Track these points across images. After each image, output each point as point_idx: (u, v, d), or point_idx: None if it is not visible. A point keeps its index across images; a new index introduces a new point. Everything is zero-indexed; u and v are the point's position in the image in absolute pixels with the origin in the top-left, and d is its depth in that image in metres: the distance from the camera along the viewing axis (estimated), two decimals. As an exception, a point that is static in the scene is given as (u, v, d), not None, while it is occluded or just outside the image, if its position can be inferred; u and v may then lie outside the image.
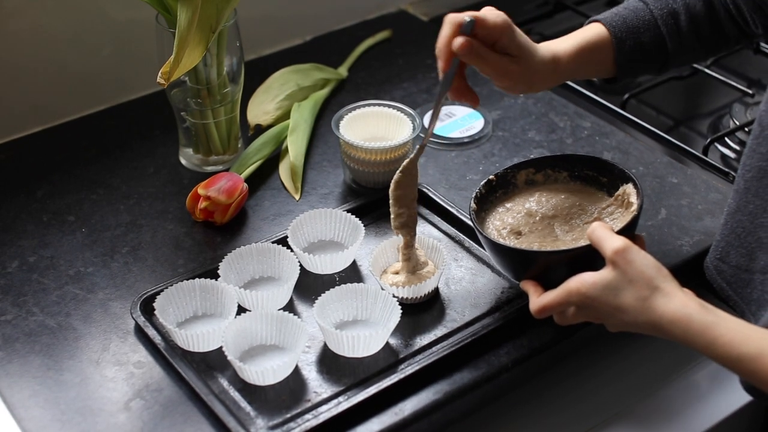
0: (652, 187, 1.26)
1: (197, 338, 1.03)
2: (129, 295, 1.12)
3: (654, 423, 1.10)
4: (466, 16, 1.01)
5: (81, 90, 1.42)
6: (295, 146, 1.31)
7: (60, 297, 1.12)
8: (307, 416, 0.98)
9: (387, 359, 1.04)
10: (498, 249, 1.05)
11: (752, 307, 1.01)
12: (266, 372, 1.00)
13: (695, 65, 1.49)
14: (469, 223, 1.09)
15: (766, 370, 0.87)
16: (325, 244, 1.18)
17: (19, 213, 1.24)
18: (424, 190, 1.24)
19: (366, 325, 1.07)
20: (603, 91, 1.46)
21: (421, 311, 1.10)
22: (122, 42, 1.42)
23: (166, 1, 1.17)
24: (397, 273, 1.11)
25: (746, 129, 1.37)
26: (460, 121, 1.38)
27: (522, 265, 1.04)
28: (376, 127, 1.29)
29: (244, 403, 0.99)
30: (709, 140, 1.34)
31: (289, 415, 0.98)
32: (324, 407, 0.99)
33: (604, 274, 0.94)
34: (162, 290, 1.07)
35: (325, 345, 1.06)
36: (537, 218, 1.10)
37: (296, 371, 1.03)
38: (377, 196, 1.22)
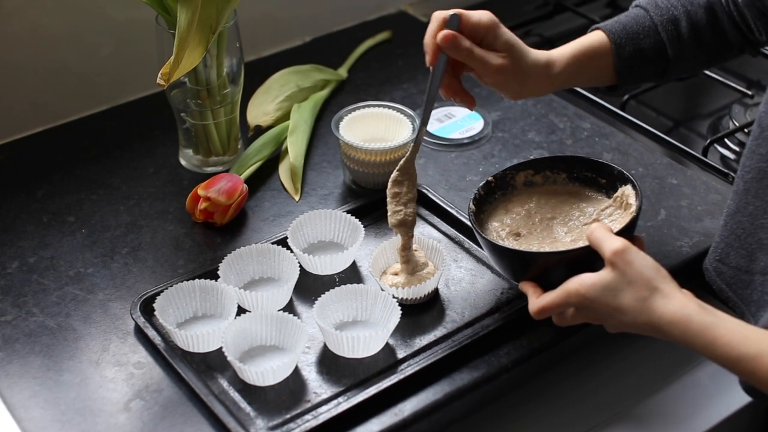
0: (652, 188, 1.26)
1: (197, 339, 1.03)
2: (129, 296, 1.12)
3: (654, 423, 1.10)
4: (452, 11, 1.03)
5: (81, 90, 1.42)
6: (295, 147, 1.31)
7: (60, 298, 1.12)
8: (307, 417, 0.98)
9: (387, 360, 1.04)
10: (497, 250, 1.05)
11: (752, 308, 1.01)
12: (266, 372, 1.00)
13: (695, 66, 1.49)
14: (469, 224, 1.09)
15: (766, 371, 0.87)
16: (324, 245, 1.18)
17: (19, 213, 1.24)
18: (424, 190, 1.24)
19: (366, 326, 1.07)
20: (602, 93, 1.46)
21: (421, 312, 1.10)
22: (122, 42, 1.42)
23: (166, 2, 1.17)
24: (396, 274, 1.11)
25: (746, 130, 1.37)
26: (459, 122, 1.38)
27: (521, 266, 1.04)
28: (375, 128, 1.29)
29: (244, 404, 1.00)
30: (708, 141, 1.35)
31: (289, 416, 0.98)
32: (324, 408, 0.99)
33: (603, 275, 0.94)
34: (162, 291, 1.07)
35: (325, 346, 1.06)
36: (536, 219, 1.10)
37: (296, 372, 1.03)
38: (377, 197, 1.22)
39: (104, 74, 1.43)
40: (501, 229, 1.10)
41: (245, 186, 1.23)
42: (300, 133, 1.33)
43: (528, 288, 1.02)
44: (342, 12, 1.61)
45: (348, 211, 1.19)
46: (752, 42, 1.15)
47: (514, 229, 1.10)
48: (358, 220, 1.16)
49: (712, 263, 1.06)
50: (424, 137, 1.35)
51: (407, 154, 1.09)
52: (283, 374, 1.02)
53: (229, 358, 1.00)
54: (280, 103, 1.38)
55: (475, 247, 1.18)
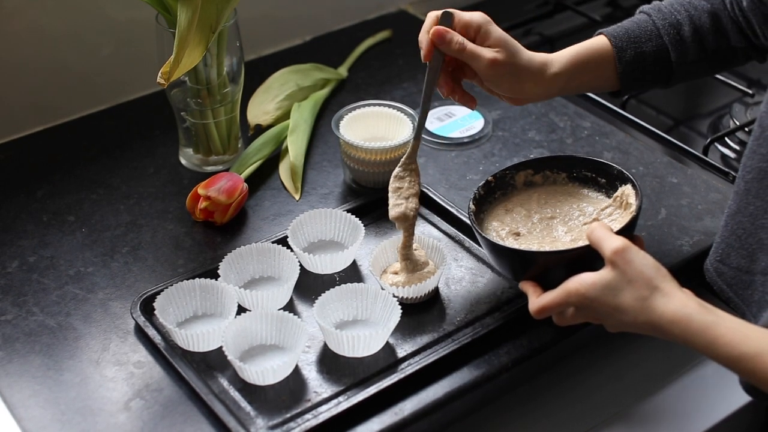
0: (652, 187, 1.26)
1: (197, 338, 1.03)
2: (129, 295, 1.12)
3: (653, 423, 1.10)
4: (444, 10, 1.05)
5: (81, 90, 1.42)
6: (295, 146, 1.31)
7: (60, 297, 1.12)
8: (307, 416, 0.98)
9: (387, 359, 1.04)
10: (497, 250, 1.05)
11: (753, 308, 1.00)
12: (266, 372, 1.00)
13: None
14: (469, 223, 1.09)
15: (766, 369, 0.87)
16: (325, 244, 1.18)
17: (19, 213, 1.24)
18: (424, 189, 1.24)
19: (366, 325, 1.07)
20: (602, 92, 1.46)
21: (421, 311, 1.10)
22: (122, 42, 1.42)
23: (166, 1, 1.17)
24: (396, 273, 1.11)
25: (746, 129, 1.37)
26: (460, 121, 1.38)
27: (521, 265, 1.04)
28: (376, 127, 1.29)
29: (244, 403, 1.00)
30: (709, 140, 1.34)
31: (289, 415, 0.98)
32: (324, 407, 0.99)
33: (603, 275, 0.94)
34: (162, 290, 1.07)
35: (325, 345, 1.06)
36: (535, 219, 1.10)
37: (296, 371, 1.03)
38: (377, 196, 1.22)
39: (104, 74, 1.43)
40: (501, 229, 1.09)
41: (245, 185, 1.23)
42: (300, 132, 1.33)
43: (528, 287, 1.01)
44: (342, 11, 1.61)
45: (348, 210, 1.18)
46: (758, 48, 1.14)
47: (514, 228, 1.09)
48: (358, 219, 1.16)
49: (713, 264, 1.05)
50: (425, 136, 1.35)
51: (408, 150, 1.10)
52: (283, 373, 1.02)
53: (229, 358, 1.00)
54: (280, 102, 1.38)
55: (476, 246, 1.18)
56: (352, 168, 1.26)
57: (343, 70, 1.49)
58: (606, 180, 1.11)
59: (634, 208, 1.05)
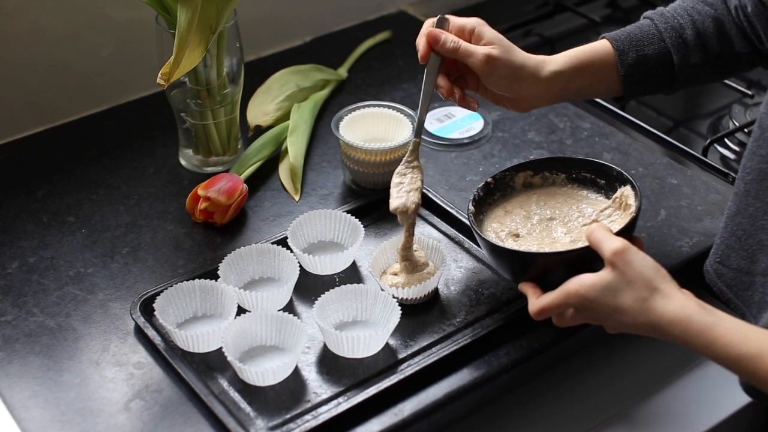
0: (652, 188, 1.26)
1: (197, 339, 1.03)
2: (129, 296, 1.12)
3: (654, 423, 1.10)
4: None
5: (81, 90, 1.42)
6: (295, 147, 1.31)
7: (60, 298, 1.12)
8: (307, 417, 0.98)
9: (387, 360, 1.04)
10: (496, 251, 1.05)
11: (753, 309, 1.00)
12: (266, 373, 1.00)
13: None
14: (468, 224, 1.09)
15: (766, 370, 0.87)
16: (324, 244, 1.18)
17: (19, 213, 1.24)
18: (424, 190, 1.23)
19: (366, 326, 1.07)
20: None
21: (421, 312, 1.10)
22: (122, 42, 1.42)
23: (166, 2, 1.17)
24: (396, 274, 1.11)
25: (746, 130, 1.37)
26: (459, 122, 1.38)
27: (520, 266, 1.04)
28: (375, 128, 1.29)
29: (244, 404, 1.00)
30: (708, 141, 1.35)
31: (288, 416, 0.98)
32: (324, 408, 0.99)
33: (602, 276, 0.94)
34: (162, 291, 1.07)
35: (325, 346, 1.06)
36: (535, 220, 1.10)
37: (296, 372, 1.03)
38: (377, 197, 1.22)
39: (104, 74, 1.43)
40: (500, 230, 1.10)
41: (245, 186, 1.23)
42: (300, 133, 1.33)
43: (527, 289, 1.02)
44: (342, 12, 1.62)
45: (348, 211, 1.19)
46: (763, 54, 1.13)
47: (513, 230, 1.10)
48: (358, 220, 1.16)
49: (713, 265, 1.05)
50: (424, 137, 1.34)
51: (409, 148, 1.10)
52: (283, 374, 1.02)
53: (229, 358, 1.00)
54: (280, 103, 1.38)
55: (475, 247, 1.18)
56: (352, 169, 1.26)
57: (343, 71, 1.49)
58: (605, 181, 1.11)
59: (633, 209, 1.05)
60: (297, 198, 1.27)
